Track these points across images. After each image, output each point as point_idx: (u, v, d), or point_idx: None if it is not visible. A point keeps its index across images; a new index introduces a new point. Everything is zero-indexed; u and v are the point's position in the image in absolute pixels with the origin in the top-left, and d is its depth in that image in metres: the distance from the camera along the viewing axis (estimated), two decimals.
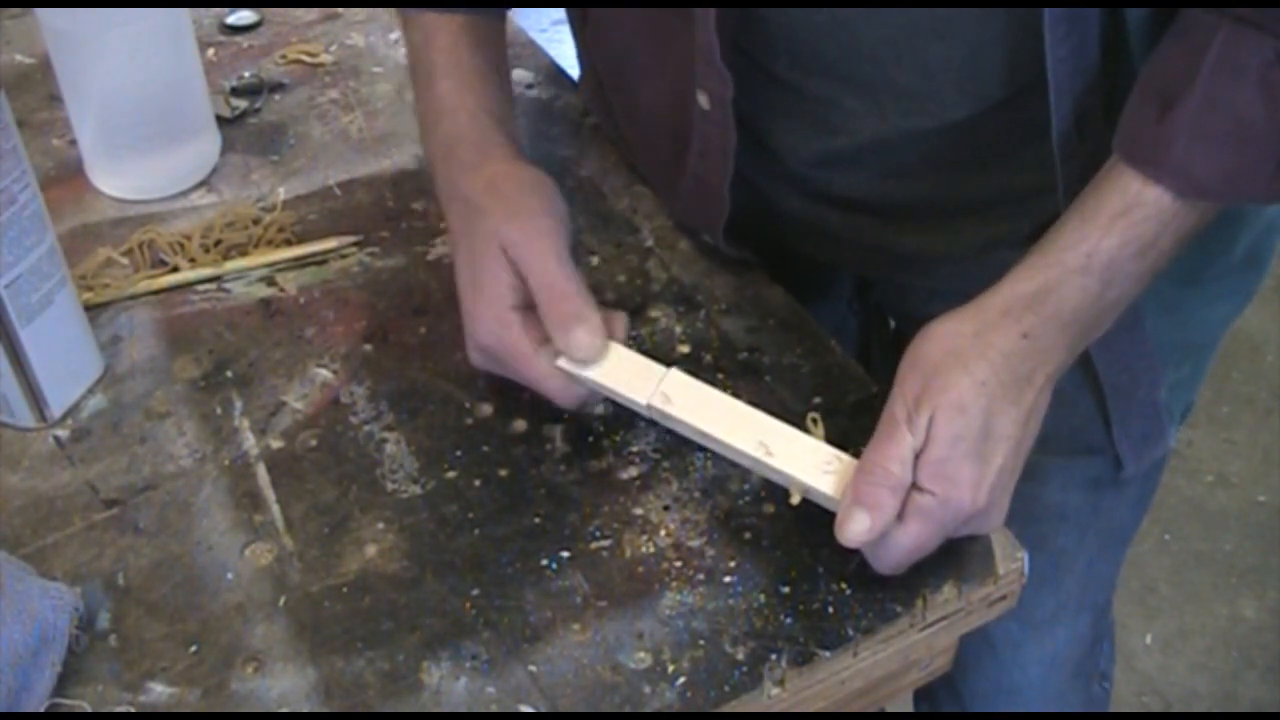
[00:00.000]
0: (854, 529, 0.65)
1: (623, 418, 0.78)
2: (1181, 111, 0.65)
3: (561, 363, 0.73)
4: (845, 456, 0.69)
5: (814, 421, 0.73)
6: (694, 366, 0.75)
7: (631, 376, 0.73)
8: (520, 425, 0.78)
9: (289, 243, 0.90)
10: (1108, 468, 0.92)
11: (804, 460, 0.69)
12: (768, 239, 0.89)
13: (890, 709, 0.99)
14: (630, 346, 0.74)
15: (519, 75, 1.04)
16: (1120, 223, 0.67)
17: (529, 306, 0.74)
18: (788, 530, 0.73)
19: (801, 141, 0.82)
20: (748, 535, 0.73)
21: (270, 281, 0.88)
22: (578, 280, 0.73)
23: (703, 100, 0.78)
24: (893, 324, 1.07)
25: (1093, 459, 0.91)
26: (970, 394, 0.66)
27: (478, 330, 0.75)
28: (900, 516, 0.65)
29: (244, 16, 1.10)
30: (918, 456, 0.66)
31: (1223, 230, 0.82)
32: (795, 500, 0.70)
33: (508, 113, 0.84)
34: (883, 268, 0.93)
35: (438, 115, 0.82)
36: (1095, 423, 0.88)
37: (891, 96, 0.77)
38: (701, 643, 0.68)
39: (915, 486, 0.66)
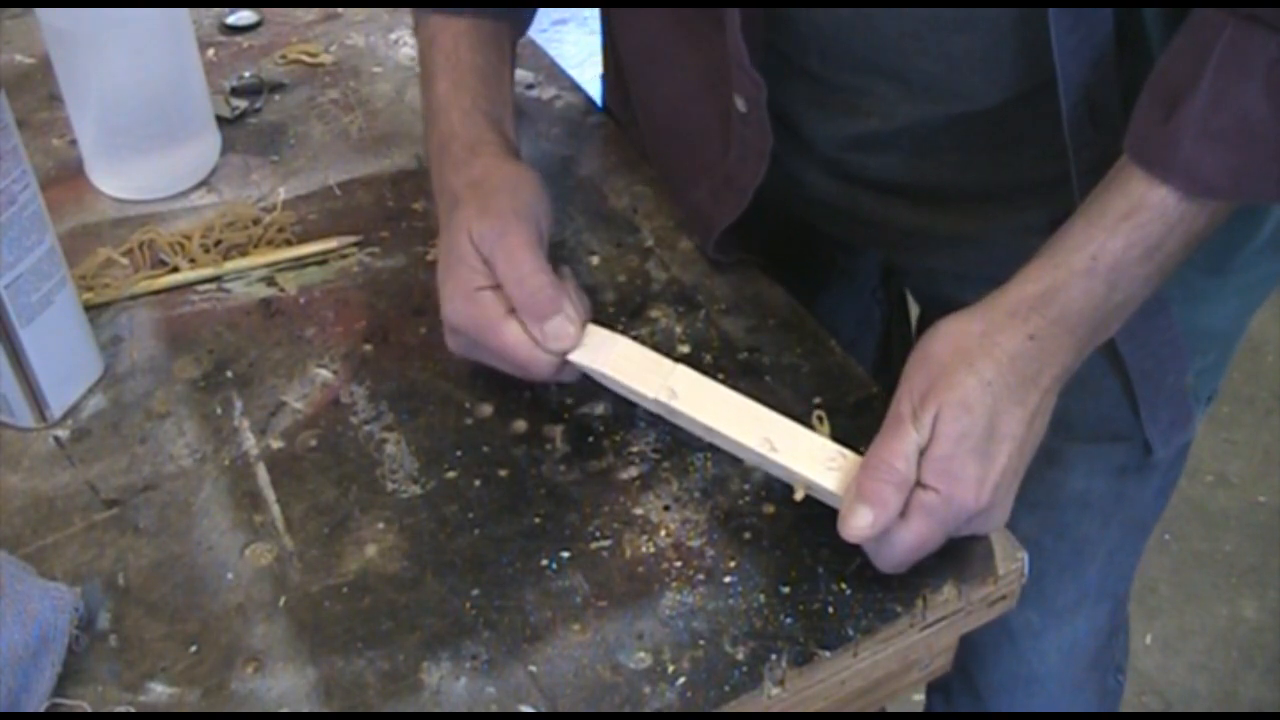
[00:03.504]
0: (857, 524, 0.65)
1: (623, 418, 0.78)
2: (1188, 111, 0.65)
3: (573, 357, 0.74)
4: (849, 453, 0.69)
5: (819, 419, 0.73)
6: (694, 366, 0.75)
7: (640, 370, 0.73)
8: (520, 425, 0.78)
9: (289, 243, 0.90)
10: (1133, 455, 0.92)
11: (808, 457, 0.69)
12: (798, 224, 0.90)
13: (891, 709, 0.99)
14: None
15: (519, 75, 1.04)
16: (1125, 225, 0.67)
17: (496, 287, 0.75)
18: (788, 530, 0.73)
19: (834, 128, 0.83)
20: (748, 535, 0.73)
21: (270, 281, 0.88)
22: (547, 271, 0.74)
23: (740, 104, 0.79)
24: (918, 311, 1.07)
25: (1118, 446, 0.92)
26: (976, 393, 0.66)
27: (448, 311, 0.76)
28: (903, 514, 0.66)
29: (244, 16, 1.10)
30: (922, 454, 0.66)
31: (1248, 218, 0.82)
32: (799, 496, 0.70)
33: (505, 112, 0.85)
34: (914, 251, 0.93)
35: (435, 113, 0.83)
36: (1122, 410, 0.88)
37: (920, 84, 0.77)
38: (701, 643, 0.68)
39: (919, 484, 0.66)
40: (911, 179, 0.84)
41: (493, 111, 0.83)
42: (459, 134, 0.81)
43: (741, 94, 0.78)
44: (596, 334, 0.76)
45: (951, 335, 0.68)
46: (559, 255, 0.88)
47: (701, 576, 0.71)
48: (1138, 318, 0.73)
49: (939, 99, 0.78)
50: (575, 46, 2.56)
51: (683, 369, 0.73)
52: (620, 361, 0.74)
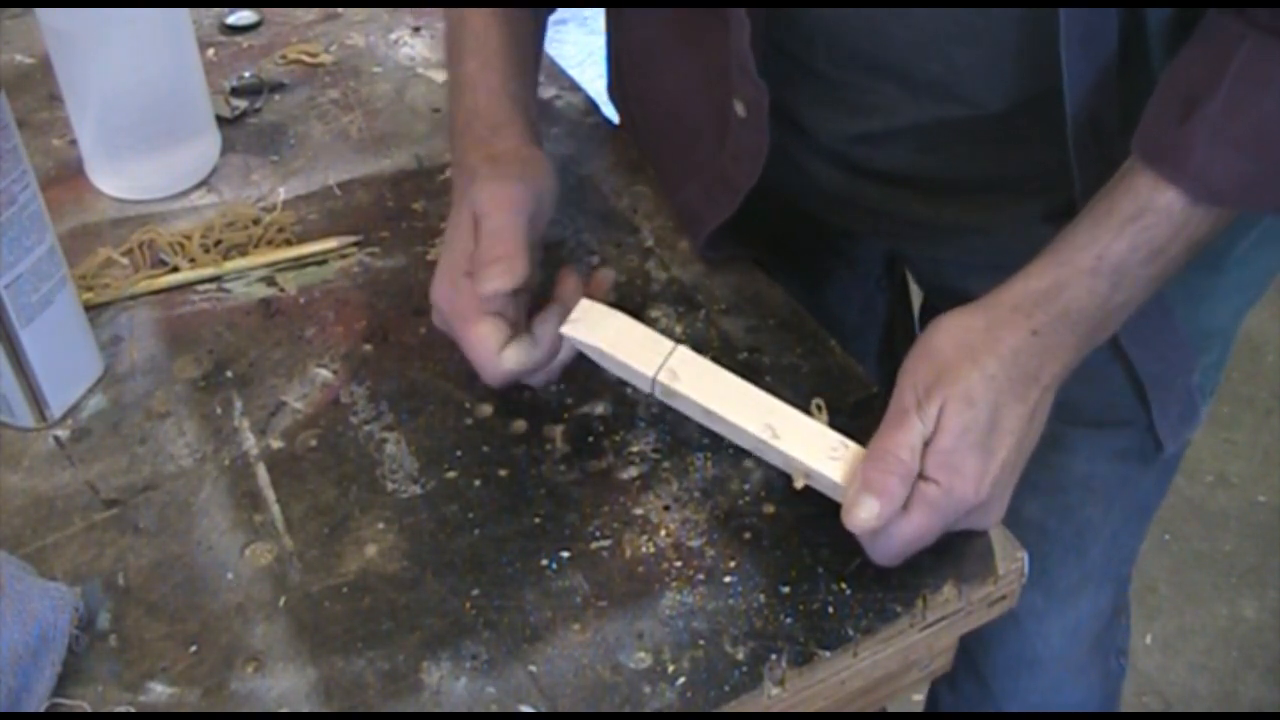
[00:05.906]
0: (862, 514, 0.65)
1: (622, 418, 0.78)
2: (1203, 116, 0.66)
3: (565, 329, 0.73)
4: (851, 444, 0.69)
5: (818, 408, 0.73)
6: None
7: (639, 349, 0.73)
8: (520, 425, 0.78)
9: (289, 243, 0.90)
10: (1136, 440, 0.93)
11: (810, 445, 0.69)
12: (802, 214, 0.90)
13: (891, 709, 0.99)
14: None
15: None
16: (1131, 227, 0.68)
17: None
18: (788, 530, 0.73)
19: (838, 125, 0.84)
20: (748, 535, 0.73)
21: (270, 281, 0.88)
22: (520, 233, 0.74)
23: (739, 109, 0.79)
24: (920, 300, 1.07)
25: (1122, 431, 0.92)
26: (980, 387, 0.66)
27: (434, 288, 0.77)
28: (904, 506, 0.66)
29: (244, 16, 1.10)
30: (925, 446, 0.66)
31: (1242, 213, 0.82)
32: (798, 485, 0.70)
33: (529, 97, 0.86)
34: (919, 241, 0.94)
35: (460, 91, 0.84)
36: (1126, 397, 0.89)
37: (925, 87, 0.78)
38: (701, 643, 0.68)
39: (920, 476, 0.66)
40: (917, 171, 0.85)
41: (519, 95, 0.84)
42: (483, 113, 0.82)
43: (742, 99, 0.78)
44: (594, 310, 0.74)
45: (955, 329, 0.69)
46: (559, 255, 0.88)
47: (701, 576, 0.71)
48: (1144, 322, 0.73)
49: (942, 102, 0.78)
50: (575, 46, 2.56)
51: (683, 349, 0.72)
52: (618, 338, 0.73)
